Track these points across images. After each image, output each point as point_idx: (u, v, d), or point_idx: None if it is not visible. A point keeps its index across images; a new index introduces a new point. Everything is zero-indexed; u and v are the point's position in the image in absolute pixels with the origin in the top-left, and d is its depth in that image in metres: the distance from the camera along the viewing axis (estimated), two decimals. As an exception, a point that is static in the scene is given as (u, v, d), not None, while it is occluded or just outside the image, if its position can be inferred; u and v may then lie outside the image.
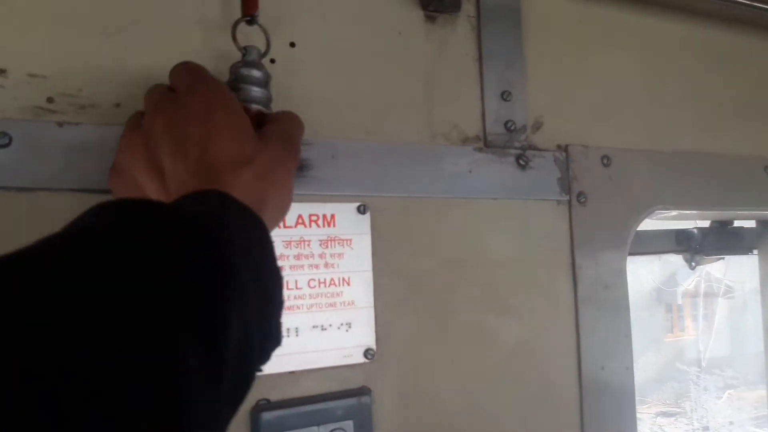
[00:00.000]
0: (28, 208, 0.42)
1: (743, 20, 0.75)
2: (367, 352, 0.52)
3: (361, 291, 0.52)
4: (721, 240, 0.87)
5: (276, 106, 0.45)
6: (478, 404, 0.55)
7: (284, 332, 0.49)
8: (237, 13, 0.46)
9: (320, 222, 0.51)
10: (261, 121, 0.42)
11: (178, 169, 0.35)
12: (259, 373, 0.31)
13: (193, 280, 0.24)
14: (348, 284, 0.52)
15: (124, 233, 0.25)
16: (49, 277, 0.20)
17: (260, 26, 0.46)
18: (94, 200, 0.43)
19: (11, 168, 0.41)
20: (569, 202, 0.60)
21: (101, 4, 0.45)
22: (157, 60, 0.46)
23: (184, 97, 0.37)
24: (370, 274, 0.52)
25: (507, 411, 0.56)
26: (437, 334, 0.54)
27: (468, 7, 0.57)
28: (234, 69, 0.44)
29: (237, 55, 0.45)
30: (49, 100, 0.43)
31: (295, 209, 0.50)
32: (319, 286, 0.51)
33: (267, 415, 0.47)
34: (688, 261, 0.88)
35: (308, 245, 0.50)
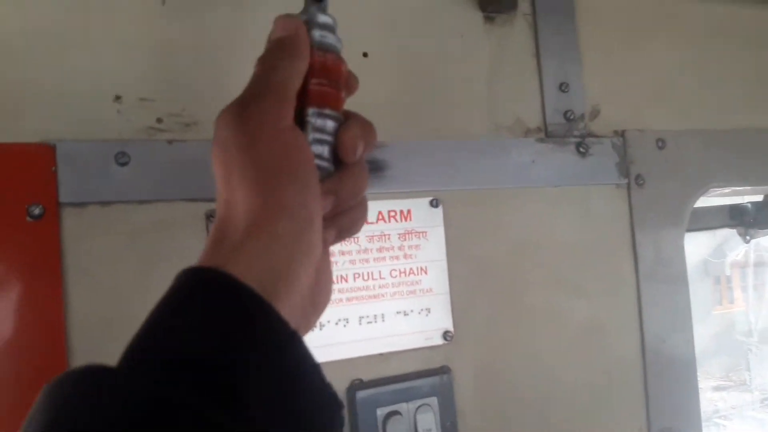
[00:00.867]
0: (146, 218, 0.48)
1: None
2: (445, 335, 0.56)
3: (437, 278, 0.56)
4: (774, 213, 0.88)
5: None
6: (549, 380, 0.59)
7: (372, 318, 0.54)
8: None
9: (398, 217, 0.56)
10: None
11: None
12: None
13: None
14: (426, 273, 0.56)
15: None
16: None
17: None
18: (201, 209, 0.49)
19: (132, 183, 0.47)
20: (628, 185, 0.63)
21: (196, 34, 0.50)
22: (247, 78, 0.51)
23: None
24: (444, 263, 0.57)
25: (577, 386, 0.60)
26: (509, 315, 0.58)
27: (524, 6, 0.60)
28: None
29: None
30: (159, 120, 0.49)
31: (375, 206, 0.54)
32: (400, 276, 0.55)
33: (361, 393, 0.53)
34: (742, 235, 0.89)
35: (388, 238, 0.55)
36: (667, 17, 0.69)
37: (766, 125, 0.73)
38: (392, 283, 0.55)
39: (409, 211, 0.56)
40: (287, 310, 0.26)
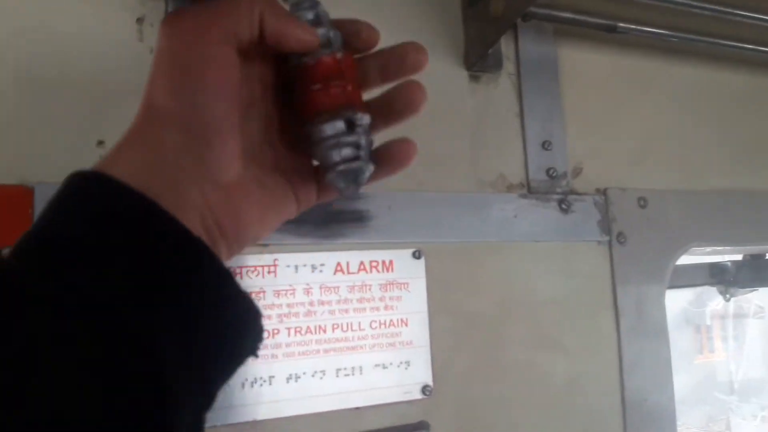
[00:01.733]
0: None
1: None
2: (424, 389, 0.55)
3: (418, 331, 0.56)
4: (754, 272, 0.89)
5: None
6: (528, 437, 0.58)
7: (350, 371, 0.53)
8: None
9: (380, 267, 0.55)
10: None
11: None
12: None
13: None
14: (406, 325, 0.56)
15: None
16: None
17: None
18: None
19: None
20: (609, 242, 0.64)
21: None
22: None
23: None
24: (426, 315, 0.56)
25: (556, 444, 0.59)
26: (490, 371, 0.57)
27: (509, 66, 0.62)
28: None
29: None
30: None
31: (357, 256, 0.54)
32: (380, 327, 0.55)
33: (336, 450, 0.51)
34: (723, 293, 0.90)
35: (369, 289, 0.55)
36: (650, 79, 0.71)
37: (746, 187, 0.75)
38: (372, 335, 0.54)
39: (391, 262, 0.56)
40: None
